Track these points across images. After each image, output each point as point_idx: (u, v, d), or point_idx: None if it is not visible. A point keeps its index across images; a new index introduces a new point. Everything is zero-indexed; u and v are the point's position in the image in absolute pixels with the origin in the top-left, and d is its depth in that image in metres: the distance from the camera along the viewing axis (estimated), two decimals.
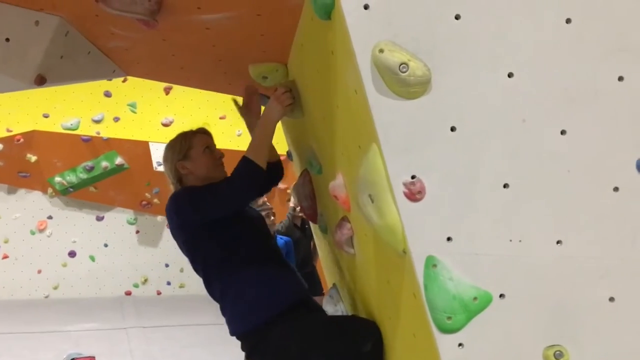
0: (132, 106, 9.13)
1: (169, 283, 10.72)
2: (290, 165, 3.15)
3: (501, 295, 1.45)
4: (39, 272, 10.57)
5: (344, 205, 1.98)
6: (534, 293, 1.46)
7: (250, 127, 2.59)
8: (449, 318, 1.43)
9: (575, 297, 1.46)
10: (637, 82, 1.46)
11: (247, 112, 2.57)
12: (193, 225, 2.29)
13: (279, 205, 7.81)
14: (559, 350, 1.44)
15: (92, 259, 10.95)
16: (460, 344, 1.45)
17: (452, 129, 1.44)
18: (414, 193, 1.43)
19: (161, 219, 11.36)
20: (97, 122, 9.34)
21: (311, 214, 2.73)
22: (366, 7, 1.42)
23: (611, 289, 1.48)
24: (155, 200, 10.59)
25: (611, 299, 1.48)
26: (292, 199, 6.31)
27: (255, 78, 2.46)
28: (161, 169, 10.23)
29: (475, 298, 1.44)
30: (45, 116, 9.40)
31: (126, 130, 9.44)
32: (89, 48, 2.31)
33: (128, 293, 11.02)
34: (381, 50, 1.40)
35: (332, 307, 2.47)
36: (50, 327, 7.68)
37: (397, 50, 1.40)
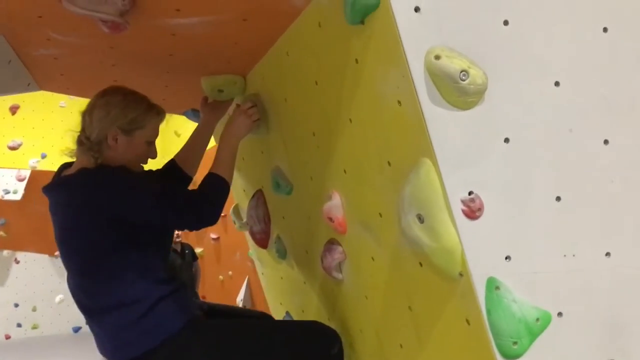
0: None
1: (19, 325, 9.60)
2: None
3: (559, 314, 1.38)
4: None
5: (339, 227, 1.83)
6: (589, 308, 1.41)
7: (206, 125, 2.31)
8: (515, 343, 1.33)
9: (627, 310, 1.44)
10: None
11: (210, 110, 2.30)
12: (119, 216, 1.76)
13: None
14: None
15: None
16: None
17: (506, 140, 1.35)
18: (474, 210, 1.32)
19: (8, 253, 10.17)
20: (12, 148, 8.22)
21: (262, 239, 2.52)
22: (417, 9, 1.29)
23: None
24: (1, 233, 9.49)
25: None
26: None
27: (208, 91, 2.21)
28: (8, 197, 9.16)
29: (537, 319, 1.36)
30: None
31: None
32: (10, 57, 1.93)
33: (7, 337, 9.68)
34: (437, 57, 1.28)
35: None
36: None
37: (455, 57, 1.29)
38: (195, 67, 2.09)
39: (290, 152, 2.07)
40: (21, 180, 8.37)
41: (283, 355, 1.91)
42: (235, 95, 2.24)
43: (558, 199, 1.39)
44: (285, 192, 2.15)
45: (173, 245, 5.96)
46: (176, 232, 5.99)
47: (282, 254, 2.40)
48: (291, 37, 1.77)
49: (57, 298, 8.97)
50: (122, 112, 1.83)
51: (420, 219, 1.37)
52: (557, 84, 1.39)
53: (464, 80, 1.28)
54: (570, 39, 1.41)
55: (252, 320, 2.22)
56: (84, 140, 1.84)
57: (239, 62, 2.05)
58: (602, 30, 1.43)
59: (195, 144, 2.28)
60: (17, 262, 10.08)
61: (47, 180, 1.92)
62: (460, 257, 1.33)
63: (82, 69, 1.99)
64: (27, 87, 2.22)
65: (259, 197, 2.41)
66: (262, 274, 2.85)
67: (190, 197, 1.85)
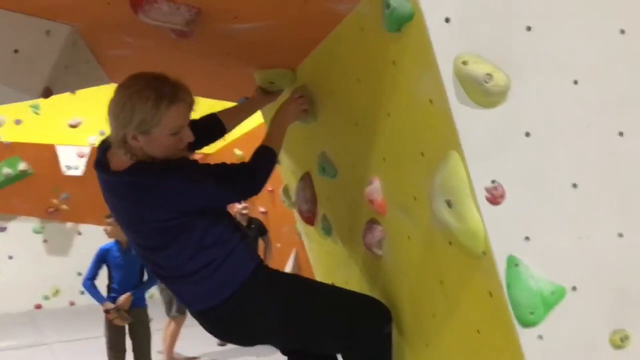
0: (35, 107, 8.43)
1: (82, 292, 10.12)
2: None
3: (573, 288, 1.56)
4: None
5: (379, 208, 2.03)
6: (601, 283, 1.58)
7: (254, 103, 2.52)
8: (532, 313, 1.52)
9: (635, 284, 1.60)
10: None
11: (262, 95, 2.50)
12: (183, 208, 1.86)
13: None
14: (624, 335, 1.58)
15: None
16: (539, 336, 1.54)
17: (527, 134, 1.52)
18: (497, 197, 1.51)
19: (71, 225, 10.75)
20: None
21: (309, 217, 2.74)
22: (447, 20, 1.47)
23: None
24: (64, 207, 10.02)
25: None
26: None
27: (260, 83, 2.43)
28: (70, 172, 9.54)
29: (552, 292, 1.54)
30: None
31: (30, 134, 8.77)
32: (88, 57, 2.18)
33: (38, 306, 10.37)
34: (465, 62, 1.46)
35: None
36: None
37: (481, 62, 1.46)
38: (249, 62, 2.30)
39: (335, 140, 2.27)
40: (82, 156, 8.79)
41: (339, 320, 2.05)
42: (285, 87, 2.46)
43: (574, 185, 1.56)
44: (331, 175, 2.36)
45: (239, 217, 6.26)
46: (244, 205, 6.26)
47: (327, 231, 2.62)
48: (336, 39, 1.97)
49: None
50: (129, 115, 1.77)
51: (449, 204, 1.56)
52: (575, 82, 1.55)
53: (488, 83, 1.45)
54: (589, 40, 1.56)
55: (317, 282, 2.36)
56: (114, 142, 1.86)
57: (289, 58, 2.25)
58: (619, 32, 1.57)
59: (239, 112, 2.46)
60: (80, 233, 10.70)
61: None
62: (483, 238, 1.52)
63: (149, 65, 2.22)
64: (100, 81, 2.48)
65: (306, 180, 2.63)
66: (309, 248, 3.08)
67: (245, 173, 1.98)
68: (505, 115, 1.51)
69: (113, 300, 4.56)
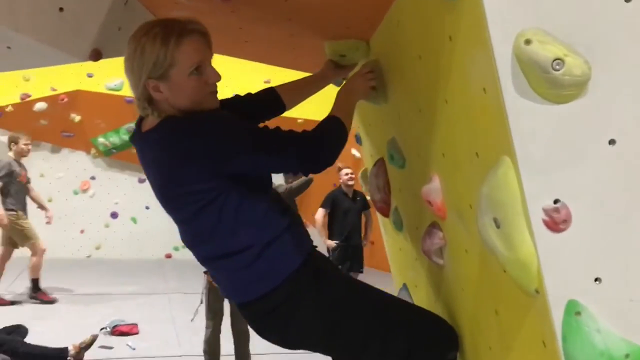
0: None
1: (176, 248, 10.54)
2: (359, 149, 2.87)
3: None
4: (82, 232, 10.63)
5: (438, 212, 1.71)
6: None
7: (322, 77, 2.20)
8: None
9: None
10: None
11: (331, 68, 2.19)
12: (225, 168, 1.62)
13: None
14: None
15: (134, 220, 10.95)
16: None
17: (611, 142, 1.13)
18: (557, 222, 1.14)
19: None
20: None
21: (383, 207, 2.46)
22: None
23: None
24: None
25: None
26: (340, 166, 6.07)
27: (330, 55, 2.16)
28: None
29: (627, 355, 1.15)
30: (90, 76, 9.21)
31: None
32: (147, 18, 2.05)
33: (168, 256, 11.01)
34: (528, 41, 1.10)
35: None
36: (92, 289, 7.67)
37: (549, 42, 1.09)
38: (315, 31, 2.04)
39: (403, 125, 1.96)
40: None
41: (398, 337, 1.75)
42: (357, 60, 2.16)
43: None
44: (399, 165, 2.06)
45: (345, 188, 6.11)
46: (350, 176, 6.08)
47: (398, 225, 2.33)
48: (401, 6, 1.65)
49: None
50: (141, 62, 1.59)
51: (497, 223, 1.22)
52: None
53: (557, 70, 1.09)
54: None
55: (375, 288, 1.93)
56: (138, 102, 1.67)
57: (358, 28, 1.96)
58: None
59: (304, 86, 2.15)
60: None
61: None
62: (536, 273, 1.17)
63: (213, 30, 2.04)
64: None
65: (380, 166, 2.34)
66: (385, 240, 2.80)
67: (306, 140, 1.66)
68: (582, 115, 1.13)
69: None
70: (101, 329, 5.52)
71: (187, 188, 1.66)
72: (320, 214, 6.16)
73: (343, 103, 1.88)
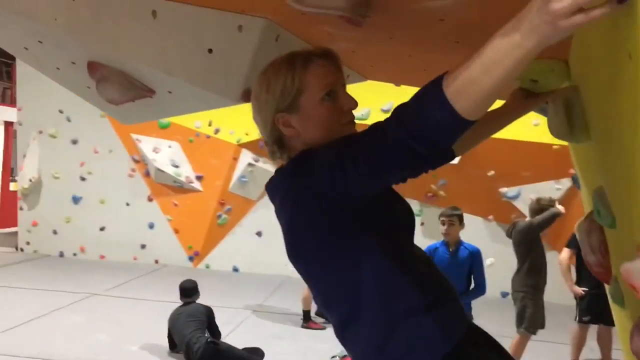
0: None
1: None
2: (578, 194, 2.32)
3: None
4: None
5: None
6: None
7: (506, 111, 1.72)
8: None
9: None
10: None
11: (520, 97, 1.72)
12: (338, 196, 1.30)
13: None
14: None
15: None
16: None
17: None
18: None
19: None
20: (386, 111, 9.10)
21: (600, 273, 1.90)
22: None
23: None
24: (441, 193, 10.20)
25: None
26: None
27: (520, 83, 1.73)
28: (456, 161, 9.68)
29: None
30: None
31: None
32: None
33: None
34: None
35: None
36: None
37: None
38: None
39: (610, 170, 1.44)
40: None
41: None
42: (553, 86, 1.67)
43: None
44: (607, 223, 1.54)
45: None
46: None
47: (617, 300, 1.77)
48: None
49: (488, 261, 9.22)
50: (267, 95, 1.41)
51: None
52: None
53: None
54: None
55: None
56: (267, 146, 1.49)
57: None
58: None
59: (482, 125, 1.46)
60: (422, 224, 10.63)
61: None
62: None
63: (383, 59, 1.82)
64: (347, 79, 2.18)
65: (591, 221, 1.81)
66: (612, 307, 2.18)
67: (408, 108, 1.24)
68: None
69: None
70: (332, 357, 5.55)
71: (303, 238, 1.43)
72: (565, 254, 5.37)
73: (486, 48, 1.07)
